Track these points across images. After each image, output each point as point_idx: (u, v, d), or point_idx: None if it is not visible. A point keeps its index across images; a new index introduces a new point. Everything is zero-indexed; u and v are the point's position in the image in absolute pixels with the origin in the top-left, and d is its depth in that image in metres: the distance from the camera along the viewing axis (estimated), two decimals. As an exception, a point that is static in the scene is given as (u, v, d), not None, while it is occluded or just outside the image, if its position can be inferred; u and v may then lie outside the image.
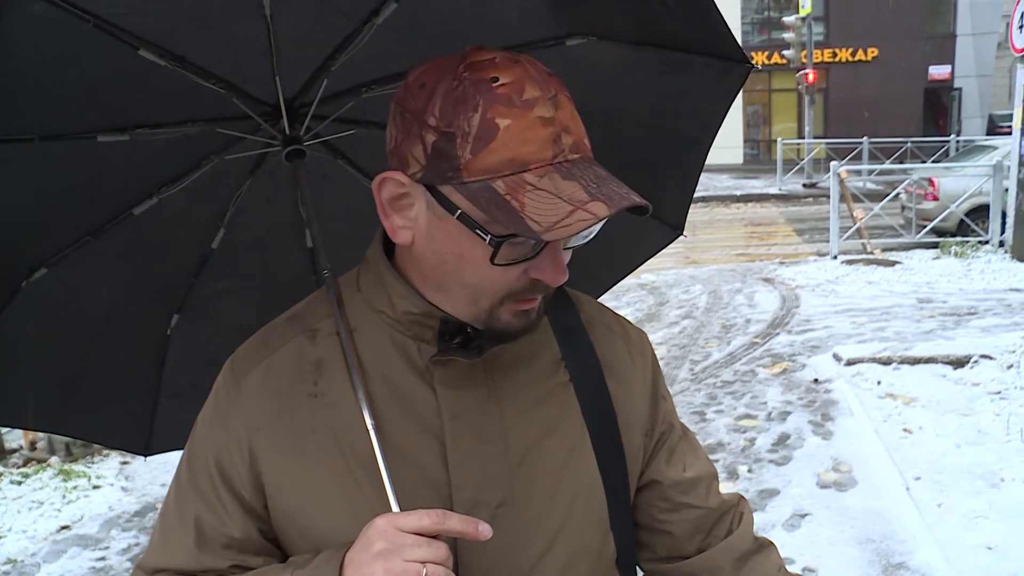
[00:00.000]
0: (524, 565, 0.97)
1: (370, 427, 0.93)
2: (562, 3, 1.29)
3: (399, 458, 0.93)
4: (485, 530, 0.86)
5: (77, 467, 5.40)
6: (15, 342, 1.43)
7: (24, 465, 5.61)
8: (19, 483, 5.24)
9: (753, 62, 1.31)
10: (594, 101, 1.34)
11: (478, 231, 0.84)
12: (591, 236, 0.88)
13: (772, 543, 1.18)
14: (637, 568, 1.15)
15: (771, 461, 5.06)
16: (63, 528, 4.70)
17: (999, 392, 5.76)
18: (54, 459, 5.61)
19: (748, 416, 5.85)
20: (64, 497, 5.02)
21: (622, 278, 1.76)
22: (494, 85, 0.83)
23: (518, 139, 0.82)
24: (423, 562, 0.82)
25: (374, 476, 0.92)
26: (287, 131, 1.35)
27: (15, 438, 6.00)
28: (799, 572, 1.19)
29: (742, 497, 1.20)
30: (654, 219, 1.59)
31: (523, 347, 0.99)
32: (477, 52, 0.87)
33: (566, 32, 1.33)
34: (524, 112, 0.82)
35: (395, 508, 0.90)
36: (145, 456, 1.69)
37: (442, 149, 0.84)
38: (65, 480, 5.21)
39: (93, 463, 5.53)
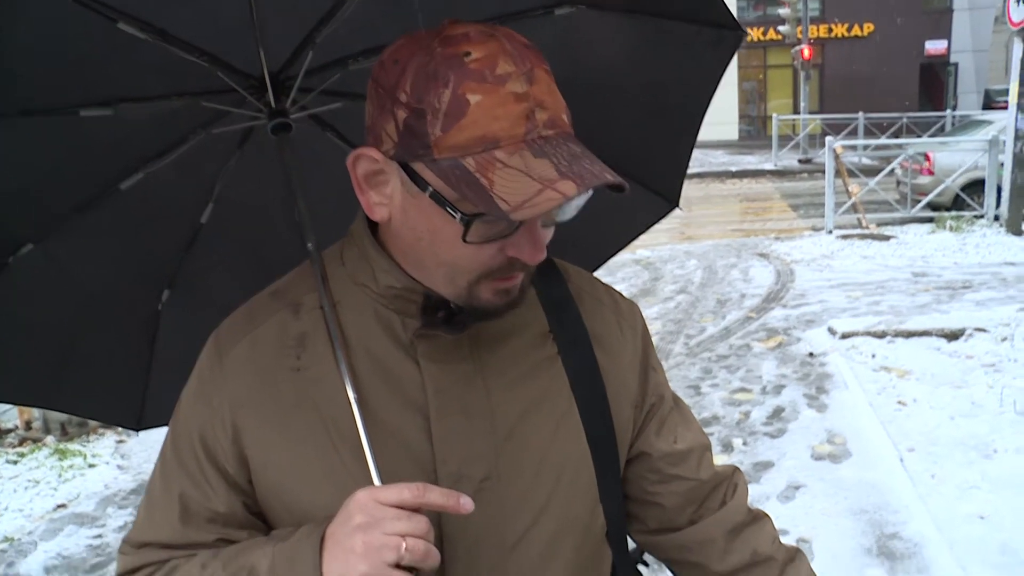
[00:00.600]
0: (509, 539, 0.97)
1: (353, 401, 0.92)
2: None
3: (383, 432, 0.93)
4: (466, 503, 0.85)
5: (73, 446, 5.40)
6: (3, 319, 1.42)
7: (20, 445, 5.62)
8: (15, 462, 5.25)
9: (746, 31, 1.29)
10: (584, 71, 1.33)
11: (448, 209, 0.83)
12: (574, 212, 0.87)
13: (766, 515, 1.18)
14: (628, 540, 1.14)
15: (766, 434, 5.08)
16: (59, 507, 4.70)
17: (993, 365, 5.78)
18: (49, 438, 5.62)
19: (743, 390, 5.86)
20: (60, 476, 5.03)
21: (617, 251, 1.74)
22: (466, 60, 0.81)
23: (489, 115, 0.80)
24: (403, 535, 0.81)
25: (358, 451, 0.91)
26: (273, 104, 1.33)
27: (10, 418, 6.00)
28: (793, 543, 1.19)
29: (736, 469, 1.20)
30: (649, 192, 1.57)
31: (509, 320, 0.98)
32: (452, 26, 0.85)
33: (555, 1, 1.31)
34: (496, 87, 0.80)
35: (377, 482, 0.89)
36: (137, 431, 1.68)
37: (413, 126, 0.82)
38: (61, 459, 5.22)
39: (89, 442, 5.54)
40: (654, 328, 7.25)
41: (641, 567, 1.21)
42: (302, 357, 0.97)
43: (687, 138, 1.49)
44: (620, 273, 9.80)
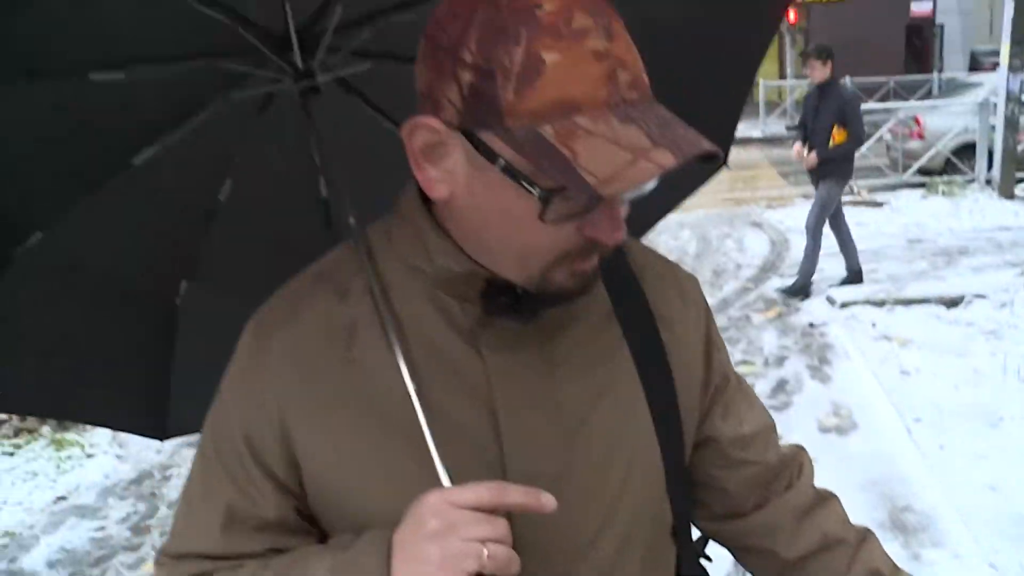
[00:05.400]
0: (584, 538, 0.90)
1: (412, 392, 0.84)
2: None
3: (445, 428, 0.84)
4: (549, 501, 0.77)
5: (70, 436, 5.31)
6: (11, 320, 1.31)
7: (15, 436, 5.52)
8: (11, 454, 5.17)
9: None
10: (642, 21, 1.23)
11: (524, 184, 0.73)
12: (652, 187, 0.77)
13: (834, 495, 1.12)
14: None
15: (771, 407, 5.00)
16: (59, 499, 4.64)
17: (993, 331, 5.78)
18: (45, 428, 5.51)
19: (745, 362, 5.83)
20: (58, 467, 4.96)
21: (666, 213, 1.66)
22: (538, 12, 0.71)
23: (568, 76, 0.70)
24: (483, 540, 0.74)
25: (418, 447, 0.83)
26: (299, 65, 1.21)
27: (3, 408, 5.90)
28: (862, 524, 1.14)
29: (801, 448, 1.14)
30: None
31: (574, 304, 0.89)
32: None
33: None
34: (574, 43, 0.71)
35: (445, 482, 0.81)
36: (162, 439, 1.57)
37: (480, 89, 0.73)
38: (58, 450, 5.14)
39: (85, 431, 5.44)
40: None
41: (704, 561, 1.15)
42: (352, 347, 0.88)
43: (741, 93, 1.41)
44: (614, 245, 9.72)
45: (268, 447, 0.88)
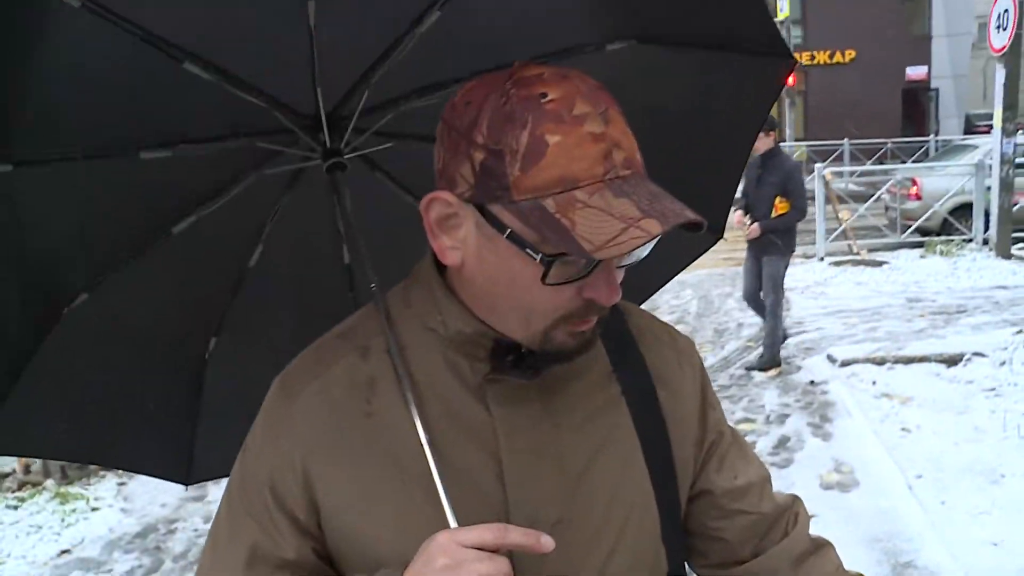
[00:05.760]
0: None
1: (425, 444, 0.92)
2: (602, 8, 1.29)
3: (455, 475, 0.92)
4: (547, 542, 0.84)
5: (74, 489, 5.33)
6: (56, 372, 1.41)
7: (19, 489, 5.53)
8: (15, 508, 5.17)
9: (795, 57, 1.27)
10: (636, 104, 1.33)
11: (528, 250, 0.82)
12: (646, 252, 0.87)
13: (829, 542, 1.17)
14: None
15: (773, 464, 5.07)
16: (63, 552, 4.63)
17: (993, 389, 5.82)
18: (49, 482, 5.53)
19: (747, 420, 5.87)
20: (63, 520, 4.95)
21: (663, 283, 1.75)
22: (543, 101, 0.81)
23: (568, 156, 0.80)
24: None
25: (430, 494, 0.91)
26: (328, 143, 1.32)
27: (8, 462, 5.91)
28: (857, 572, 1.19)
29: (796, 498, 1.19)
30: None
31: (575, 361, 0.98)
32: (525, 68, 0.86)
33: (607, 37, 1.32)
34: (574, 128, 0.81)
35: (453, 524, 0.89)
36: (187, 485, 1.65)
37: (490, 167, 0.82)
38: (62, 503, 5.14)
39: (90, 484, 5.47)
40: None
41: None
42: (372, 401, 0.97)
43: (735, 168, 1.49)
44: (616, 303, 9.79)
45: (291, 492, 0.96)
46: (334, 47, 1.25)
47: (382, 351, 0.99)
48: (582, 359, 0.99)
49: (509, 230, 0.83)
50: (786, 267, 6.88)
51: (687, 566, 1.15)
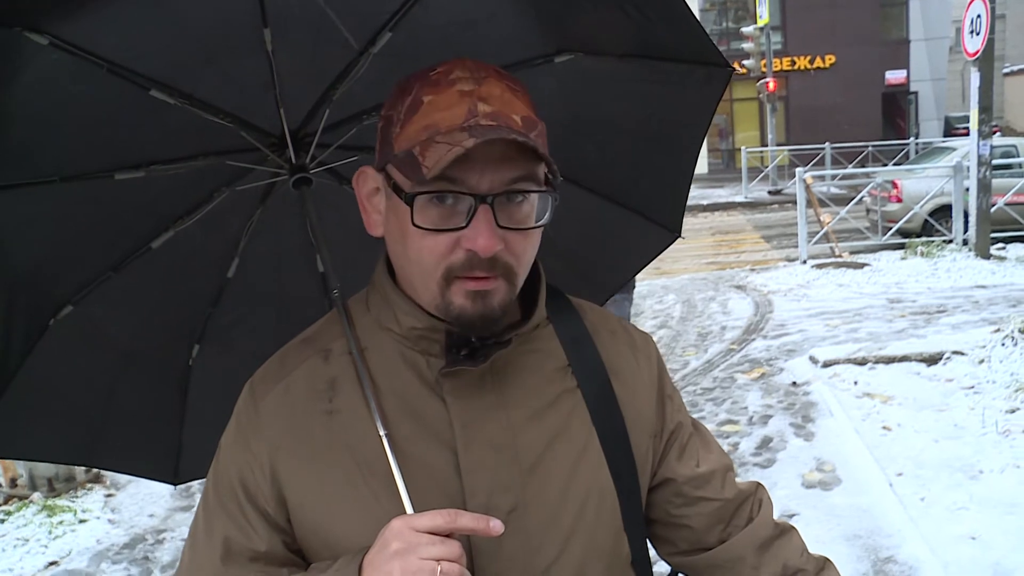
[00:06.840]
0: (538, 567, 1.00)
1: (383, 437, 0.97)
2: (550, 22, 1.35)
3: (413, 468, 0.97)
4: (496, 526, 0.89)
5: (61, 502, 5.32)
6: (44, 379, 1.46)
7: (5, 503, 5.52)
8: (2, 521, 5.16)
9: (734, 67, 1.36)
10: (585, 112, 1.42)
11: (401, 195, 0.92)
12: (545, 216, 0.94)
13: (793, 527, 1.20)
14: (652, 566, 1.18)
15: (755, 464, 5.13)
16: (51, 564, 4.63)
17: (972, 387, 5.90)
18: (36, 495, 5.53)
19: (730, 421, 5.93)
20: (50, 533, 4.95)
21: (624, 282, 1.81)
22: (431, 74, 0.95)
23: (435, 108, 0.91)
24: (438, 559, 0.85)
25: (390, 486, 0.96)
26: (293, 160, 1.40)
27: (-6, 476, 5.90)
28: (821, 555, 1.23)
29: (760, 485, 1.23)
30: (651, 223, 1.64)
31: (530, 355, 1.04)
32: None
33: (554, 50, 1.38)
34: (447, 88, 0.92)
35: (410, 512, 0.93)
36: (175, 484, 1.72)
37: (385, 133, 0.96)
38: (50, 515, 5.14)
39: (77, 497, 5.47)
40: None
41: None
42: (334, 400, 1.02)
43: (685, 170, 1.57)
44: (601, 308, 9.84)
45: (260, 488, 1.02)
46: (293, 69, 1.32)
47: (343, 353, 1.05)
48: (537, 354, 1.06)
49: (393, 181, 0.94)
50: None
51: (656, 554, 1.19)
